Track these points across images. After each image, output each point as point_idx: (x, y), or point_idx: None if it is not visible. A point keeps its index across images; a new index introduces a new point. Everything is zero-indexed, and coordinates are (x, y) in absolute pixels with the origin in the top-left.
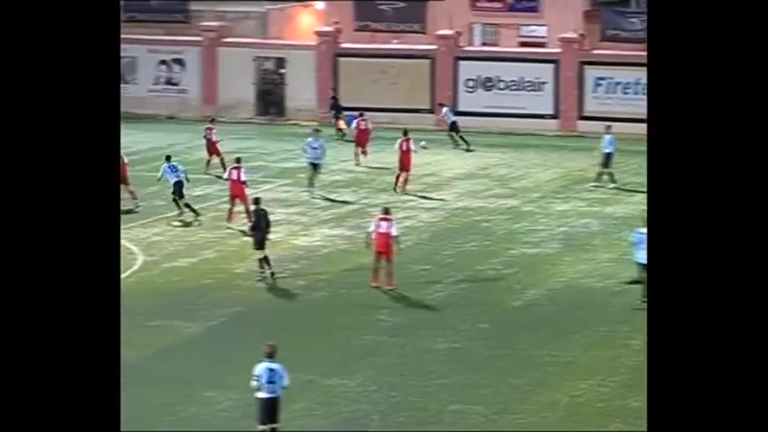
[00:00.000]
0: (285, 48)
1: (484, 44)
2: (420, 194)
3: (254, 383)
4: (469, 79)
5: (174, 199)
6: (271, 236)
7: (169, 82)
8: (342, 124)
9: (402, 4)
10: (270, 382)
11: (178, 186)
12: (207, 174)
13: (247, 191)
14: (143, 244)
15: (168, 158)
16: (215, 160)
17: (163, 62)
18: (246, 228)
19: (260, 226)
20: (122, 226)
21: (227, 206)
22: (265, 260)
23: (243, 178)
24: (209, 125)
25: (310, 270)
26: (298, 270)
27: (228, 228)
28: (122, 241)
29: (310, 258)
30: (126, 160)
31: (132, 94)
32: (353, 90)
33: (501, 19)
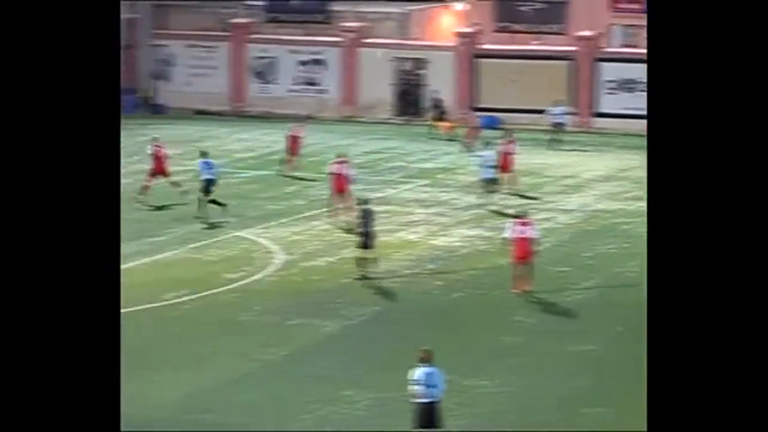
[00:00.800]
0: (424, 49)
1: (625, 45)
2: (550, 196)
3: (415, 388)
4: (609, 81)
5: (199, 198)
6: (404, 237)
7: (308, 82)
8: (444, 125)
9: (542, 5)
10: (428, 386)
11: (209, 183)
12: (285, 176)
13: (351, 187)
14: (283, 243)
15: (203, 154)
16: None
17: (303, 62)
18: (350, 226)
19: (367, 225)
20: (262, 225)
21: (373, 208)
22: (373, 261)
23: (346, 172)
24: (297, 125)
25: (448, 270)
26: (436, 270)
27: (329, 225)
28: (261, 240)
29: (449, 258)
30: (167, 152)
31: (272, 94)
32: (492, 91)
33: (641, 21)
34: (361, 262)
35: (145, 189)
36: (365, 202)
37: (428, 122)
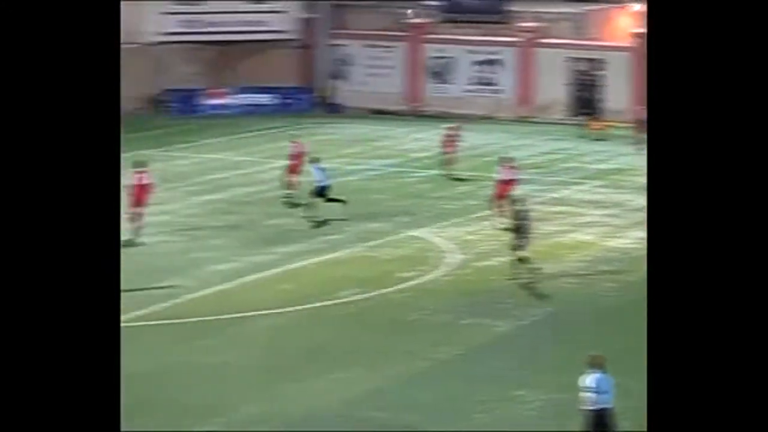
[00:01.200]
0: (600, 49)
1: None
2: None
3: (586, 394)
4: None
5: (309, 202)
6: (577, 237)
7: (484, 82)
8: (596, 125)
9: None
10: (599, 392)
11: (323, 189)
12: (448, 177)
13: (511, 190)
14: (456, 243)
15: (315, 160)
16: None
17: (479, 62)
18: (507, 226)
19: (523, 226)
20: (436, 225)
21: (548, 208)
22: (524, 260)
23: (510, 177)
24: (454, 126)
25: (621, 271)
26: (608, 272)
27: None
28: (435, 239)
29: (622, 260)
30: (303, 149)
31: (448, 93)
32: None
33: None
34: (515, 263)
35: (292, 186)
36: (522, 203)
37: (600, 123)
